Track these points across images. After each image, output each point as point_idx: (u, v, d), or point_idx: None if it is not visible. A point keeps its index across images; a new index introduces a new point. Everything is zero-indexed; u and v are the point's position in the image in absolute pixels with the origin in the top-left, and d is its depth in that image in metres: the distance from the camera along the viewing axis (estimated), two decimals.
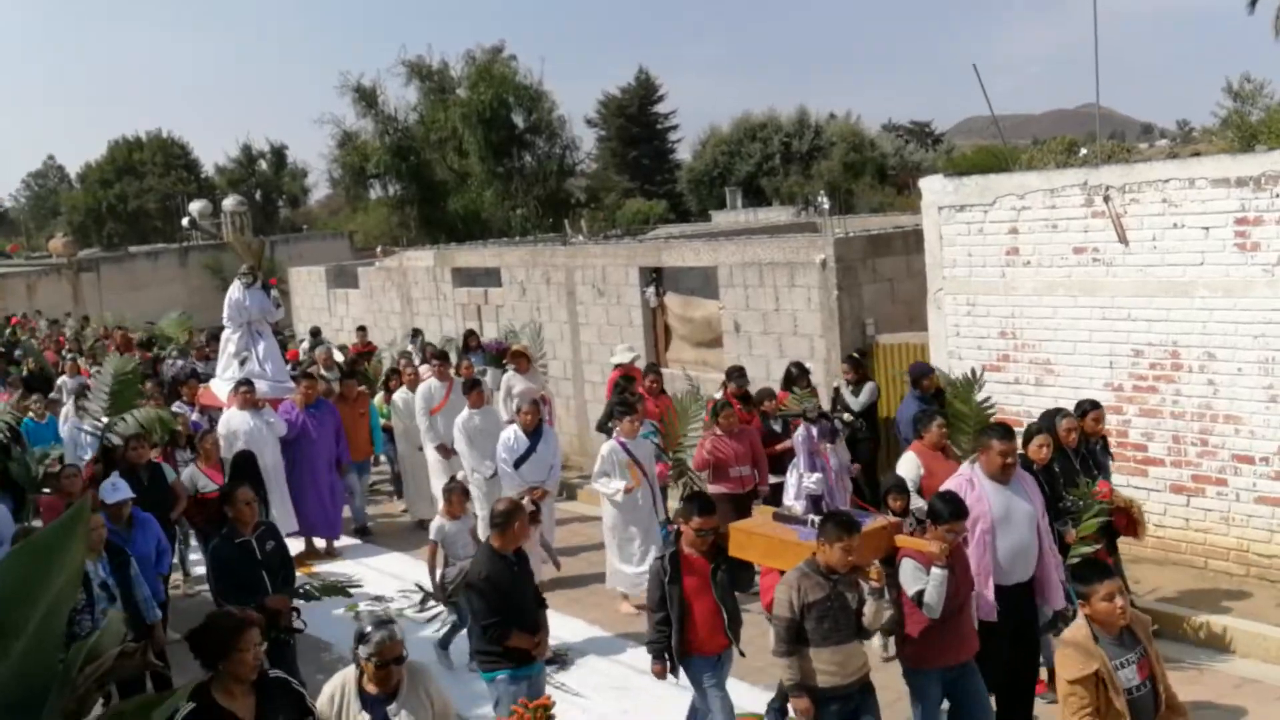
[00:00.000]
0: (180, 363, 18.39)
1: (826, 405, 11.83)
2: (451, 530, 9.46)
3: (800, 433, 7.98)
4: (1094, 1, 14.37)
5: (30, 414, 14.27)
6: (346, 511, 13.99)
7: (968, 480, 7.36)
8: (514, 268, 18.12)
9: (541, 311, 17.39)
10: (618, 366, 13.77)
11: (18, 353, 22.26)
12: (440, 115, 41.14)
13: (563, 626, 10.14)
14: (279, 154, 66.89)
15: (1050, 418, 8.79)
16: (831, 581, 6.42)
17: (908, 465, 9.08)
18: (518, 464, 10.99)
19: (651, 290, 15.76)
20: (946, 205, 11.69)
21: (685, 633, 6.97)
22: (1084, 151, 22.72)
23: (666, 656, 7.08)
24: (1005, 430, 7.57)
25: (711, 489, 10.46)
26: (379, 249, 30.27)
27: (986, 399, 10.47)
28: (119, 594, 7.77)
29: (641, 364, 14.32)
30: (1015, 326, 11.28)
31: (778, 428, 11.23)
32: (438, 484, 13.00)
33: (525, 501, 8.96)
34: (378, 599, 11.21)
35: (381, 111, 41.95)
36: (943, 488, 7.29)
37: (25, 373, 18.49)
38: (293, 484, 12.85)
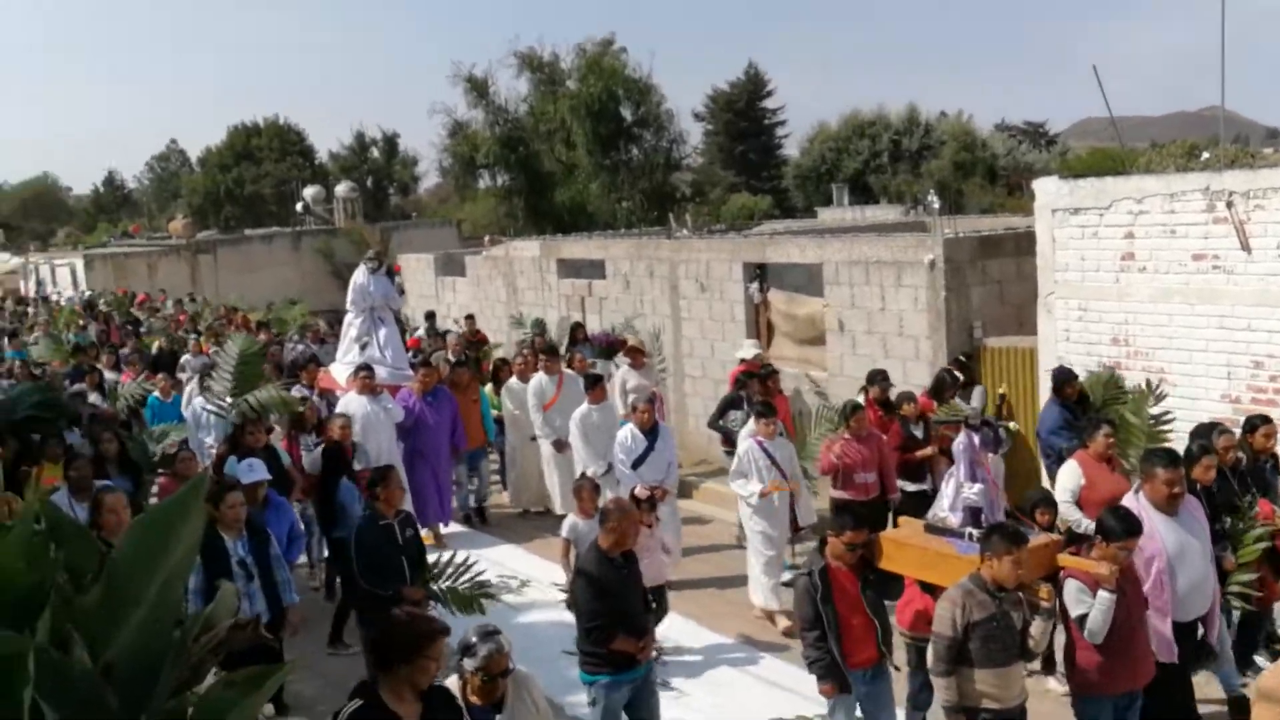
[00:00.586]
0: (300, 346, 18.54)
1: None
2: (584, 529, 9.02)
3: (961, 440, 7.47)
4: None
5: (156, 391, 14.43)
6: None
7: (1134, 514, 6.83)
8: (618, 260, 18.18)
9: (644, 304, 17.42)
10: (742, 362, 13.45)
11: (143, 331, 22.75)
12: (550, 107, 41.48)
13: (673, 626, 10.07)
14: (391, 142, 68.04)
15: (1207, 434, 8.28)
16: (998, 599, 6.08)
17: (1069, 474, 8.59)
18: (635, 464, 10.72)
19: (755, 286, 15.69)
20: (1060, 208, 11.45)
21: (840, 648, 6.70)
22: (1206, 155, 22.06)
23: (834, 674, 6.74)
24: (1171, 456, 7.07)
25: (834, 495, 10.22)
26: (486, 238, 30.65)
27: (1165, 413, 10.01)
28: (258, 573, 7.79)
29: (774, 365, 13.87)
30: (1128, 333, 11.01)
31: (918, 433, 10.89)
32: (553, 479, 13.19)
33: (637, 488, 8.82)
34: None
35: (492, 102, 42.43)
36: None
37: (155, 351, 18.75)
38: (409, 469, 12.61)
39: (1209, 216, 10.25)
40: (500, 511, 14.51)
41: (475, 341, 18.63)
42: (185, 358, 17.43)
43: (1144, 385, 10.20)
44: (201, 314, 25.35)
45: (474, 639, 5.26)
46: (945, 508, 7.50)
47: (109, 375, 16.28)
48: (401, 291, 15.30)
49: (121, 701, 2.31)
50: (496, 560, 12.14)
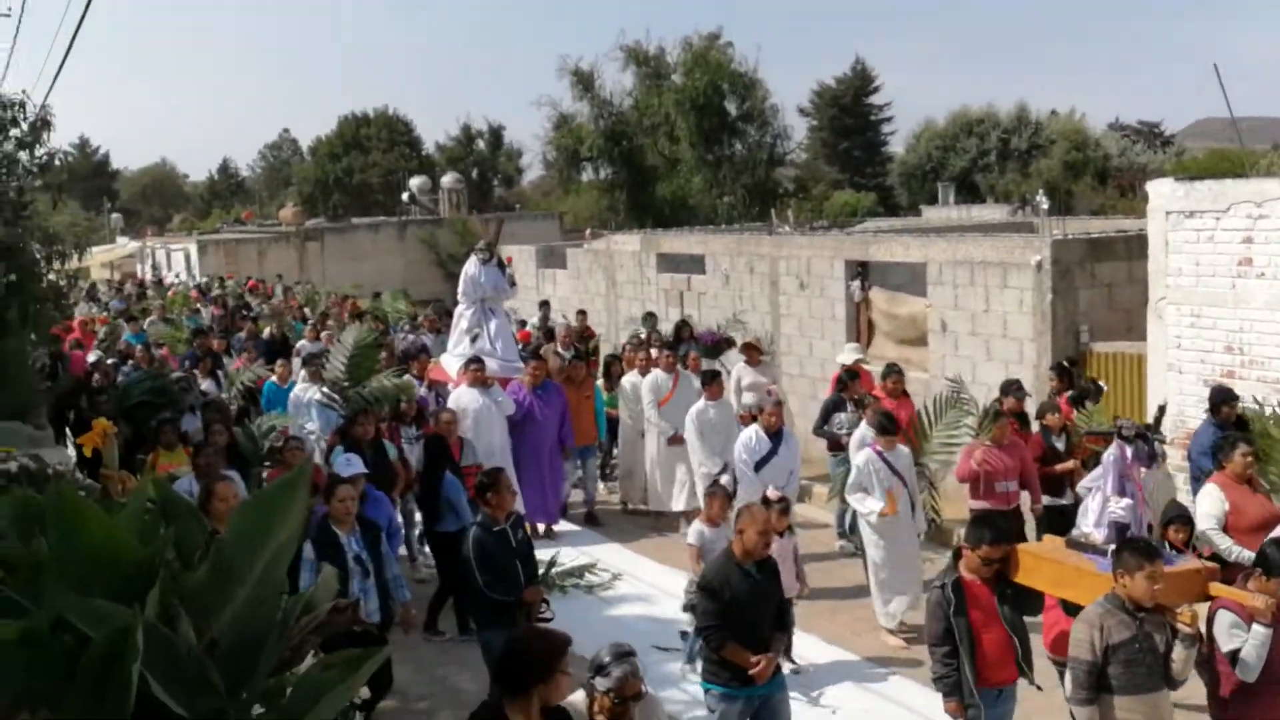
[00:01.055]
0: (411, 336, 18.24)
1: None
2: (712, 537, 8.59)
3: (1112, 452, 7.05)
4: None
5: (274, 377, 14.42)
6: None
7: None
8: (718, 255, 18.16)
9: (743, 300, 17.38)
10: (843, 366, 13.00)
11: (253, 314, 22.96)
12: (654, 100, 41.55)
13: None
14: (496, 134, 68.76)
15: None
16: (1138, 620, 5.70)
17: (1210, 499, 8.07)
18: (758, 467, 10.35)
19: (857, 284, 15.55)
20: (1175, 210, 11.15)
21: (974, 666, 6.30)
22: None
23: (961, 692, 6.37)
24: None
25: (973, 504, 9.85)
26: (588, 231, 30.84)
27: None
28: (373, 569, 7.61)
29: (872, 365, 13.54)
30: (1244, 341, 10.69)
31: (1060, 445, 10.47)
32: (658, 475, 12.92)
33: (769, 490, 8.41)
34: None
35: (597, 95, 42.64)
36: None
37: (268, 336, 18.82)
38: (518, 464, 12.34)
39: None
40: (606, 509, 14.14)
41: (585, 336, 18.48)
42: (301, 343, 17.44)
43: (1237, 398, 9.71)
44: (314, 300, 25.55)
45: (607, 658, 4.95)
46: (1090, 523, 7.05)
47: (224, 360, 16.43)
48: (513, 284, 14.94)
49: (224, 677, 2.37)
50: (603, 560, 11.89)
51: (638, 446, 13.57)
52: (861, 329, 15.69)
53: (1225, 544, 7.77)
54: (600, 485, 14.70)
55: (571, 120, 43.68)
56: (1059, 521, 9.58)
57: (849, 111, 61.74)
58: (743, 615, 6.58)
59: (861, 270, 15.56)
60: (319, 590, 2.80)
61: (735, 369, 13.94)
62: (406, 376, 12.99)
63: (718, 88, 40.62)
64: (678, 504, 12.77)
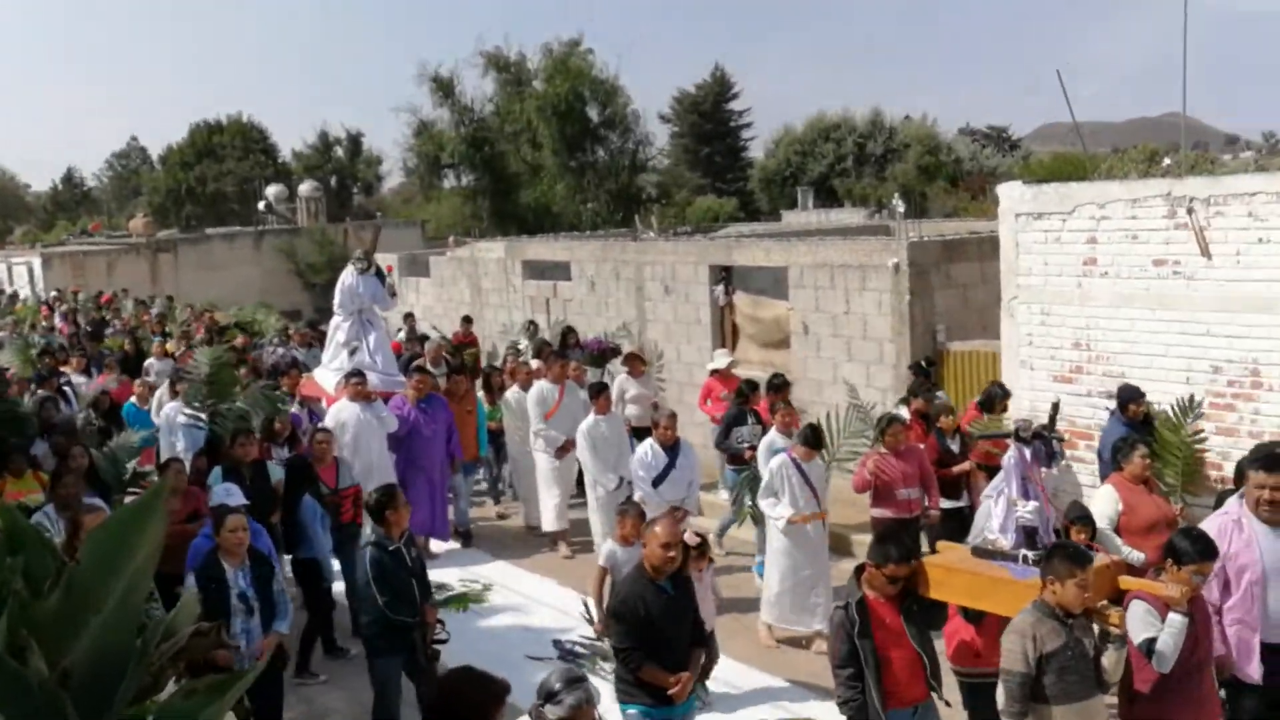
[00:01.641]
0: (280, 350, 17.59)
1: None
2: (624, 556, 8.15)
3: (1011, 454, 6.88)
4: (1185, 6, 14.02)
5: (133, 398, 13.81)
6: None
7: (1235, 521, 6.46)
8: (584, 262, 18.17)
9: (609, 307, 17.42)
10: (714, 373, 12.85)
11: (108, 331, 21.96)
12: (516, 107, 41.48)
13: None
14: (355, 141, 67.53)
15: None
16: (1068, 626, 5.57)
17: (1105, 499, 8.11)
18: (655, 482, 10.20)
19: (720, 289, 15.72)
20: (1024, 212, 11.53)
21: (881, 687, 6.04)
22: (1167, 162, 22.32)
23: (867, 715, 6.13)
24: (1271, 460, 6.49)
25: (875, 513, 9.77)
26: (451, 239, 30.52)
27: (1199, 431, 9.98)
28: (259, 606, 7.16)
29: (740, 370, 13.48)
30: (1090, 338, 11.11)
31: (955, 447, 10.47)
32: (548, 495, 12.45)
33: (686, 534, 7.90)
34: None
35: (458, 101, 42.40)
36: (1203, 525, 6.46)
37: (120, 353, 17.96)
38: (404, 481, 11.60)
39: (1170, 222, 10.35)
40: (497, 526, 13.71)
41: (464, 344, 17.96)
42: (149, 361, 16.84)
43: (1184, 400, 9.95)
44: (170, 314, 24.47)
45: (557, 685, 4.64)
46: (994, 528, 6.92)
47: (79, 379, 15.66)
48: (393, 294, 14.30)
49: (79, 708, 2.27)
50: (501, 582, 11.52)
51: (523, 464, 13.17)
52: (726, 333, 15.87)
53: (1116, 544, 7.83)
54: (492, 503, 14.33)
55: (432, 127, 43.32)
56: (955, 525, 9.61)
57: (709, 118, 62.34)
58: (659, 634, 6.38)
59: (725, 275, 15.73)
60: (179, 614, 2.70)
61: (618, 380, 13.68)
62: (277, 393, 12.52)
63: (579, 94, 40.73)
64: (549, 523, 12.51)
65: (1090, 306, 11.05)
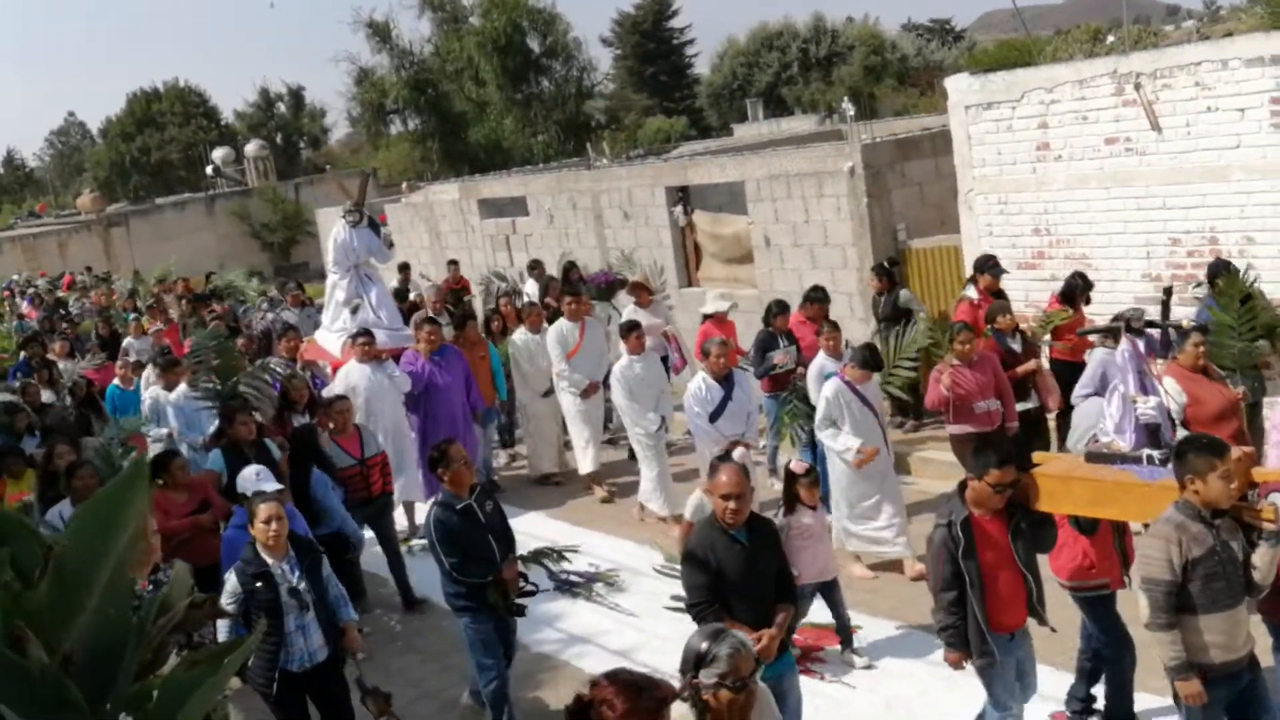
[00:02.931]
0: (270, 314, 16.55)
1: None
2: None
3: (1124, 348, 6.19)
4: None
5: (116, 380, 13.13)
6: None
7: None
8: (539, 195, 18.06)
9: (570, 238, 17.35)
10: (706, 318, 11.82)
11: (74, 313, 21.31)
12: (455, 45, 40.96)
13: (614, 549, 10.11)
14: (297, 96, 66.70)
15: None
16: (1214, 528, 5.06)
17: (1169, 393, 7.54)
18: (712, 417, 9.48)
19: (679, 209, 15.68)
20: (973, 104, 11.52)
21: (984, 612, 5.65)
22: (1111, 39, 22.32)
23: (968, 643, 5.74)
24: None
25: (953, 430, 9.13)
26: (404, 185, 30.28)
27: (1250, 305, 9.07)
28: (313, 600, 6.48)
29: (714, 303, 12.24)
30: (1049, 223, 11.17)
31: (1016, 347, 9.64)
32: (579, 437, 11.83)
33: (793, 463, 7.61)
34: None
35: (396, 46, 41.84)
36: None
37: (94, 335, 17.28)
38: (424, 441, 11.06)
39: (1118, 100, 10.37)
40: (511, 475, 13.06)
41: (458, 289, 17.50)
42: (128, 340, 15.84)
43: (1238, 271, 9.27)
44: (139, 290, 23.66)
45: (704, 644, 4.04)
46: (1109, 429, 6.18)
47: (65, 365, 14.74)
48: (390, 244, 13.55)
49: (85, 691, 2.29)
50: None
51: (541, 408, 12.43)
52: (689, 253, 15.85)
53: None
54: (501, 453, 13.64)
55: (373, 74, 42.77)
56: (1027, 429, 9.16)
57: (651, 37, 61.73)
58: (733, 588, 5.74)
59: (682, 195, 15.68)
60: (173, 587, 2.72)
61: (625, 312, 12.80)
62: (274, 360, 11.78)
63: (518, 26, 40.21)
64: (584, 466, 11.88)
65: (1047, 191, 11.10)
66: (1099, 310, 10.11)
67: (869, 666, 7.55)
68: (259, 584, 6.30)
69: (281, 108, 66.60)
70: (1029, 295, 11.16)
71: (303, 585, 6.43)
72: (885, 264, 12.24)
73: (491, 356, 12.65)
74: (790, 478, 7.64)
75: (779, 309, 10.99)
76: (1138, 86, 10.16)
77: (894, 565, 8.98)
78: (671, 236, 15.80)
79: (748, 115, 44.74)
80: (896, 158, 13.20)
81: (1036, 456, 6.31)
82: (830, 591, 7.70)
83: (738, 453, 7.32)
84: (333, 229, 13.04)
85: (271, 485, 7.22)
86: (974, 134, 11.57)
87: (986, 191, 11.60)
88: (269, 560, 6.39)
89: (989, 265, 10.41)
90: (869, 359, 8.80)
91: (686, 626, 7.44)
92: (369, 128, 46.26)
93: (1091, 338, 8.88)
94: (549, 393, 12.19)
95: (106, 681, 2.31)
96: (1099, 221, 10.77)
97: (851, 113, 16.75)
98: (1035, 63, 11.02)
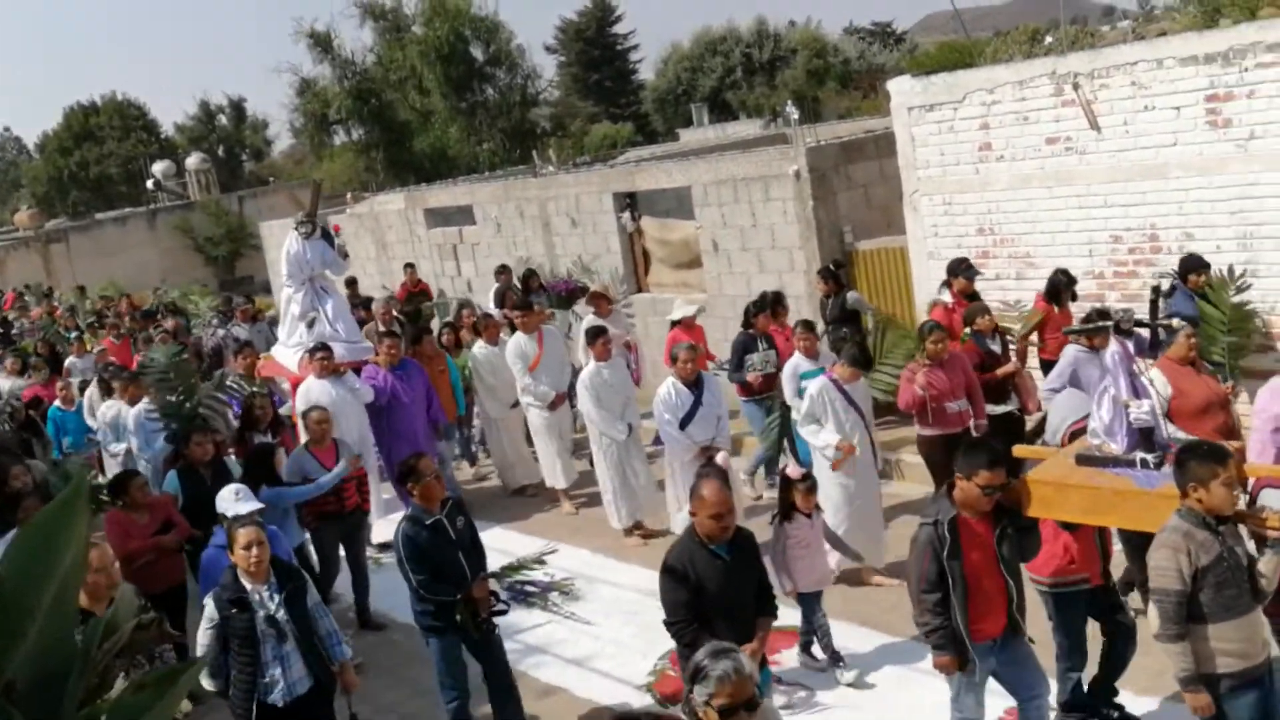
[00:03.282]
0: (221, 330, 16.12)
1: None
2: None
3: (1114, 349, 5.89)
4: None
5: (58, 400, 12.87)
6: None
7: None
8: (486, 204, 17.99)
9: (518, 246, 17.29)
10: (673, 325, 11.60)
11: (14, 331, 20.82)
12: (398, 54, 40.73)
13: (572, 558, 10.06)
14: (238, 107, 66.17)
15: None
16: (1219, 535, 5.03)
17: (1155, 382, 7.29)
18: (683, 424, 9.30)
19: (627, 215, 15.67)
20: (916, 105, 11.62)
21: (965, 616, 5.56)
22: (1049, 40, 22.61)
23: (956, 644, 5.61)
24: None
25: (923, 433, 8.96)
26: (348, 195, 29.99)
27: (1245, 302, 9.41)
28: (293, 630, 6.11)
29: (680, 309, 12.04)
30: (993, 222, 11.28)
31: (995, 348, 9.49)
32: (547, 450, 11.69)
33: (789, 468, 7.45)
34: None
35: (338, 56, 41.52)
36: (1272, 383, 5.96)
37: (33, 355, 16.55)
38: (389, 455, 11.12)
39: (1058, 100, 10.50)
40: (478, 489, 12.87)
41: (415, 293, 17.01)
42: (70, 360, 15.71)
43: (1223, 271, 9.40)
44: (78, 307, 23.10)
45: (704, 659, 3.93)
46: (1100, 432, 6.07)
47: (12, 384, 14.38)
48: (345, 255, 13.27)
49: (29, 718, 2.24)
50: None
51: (511, 421, 12.29)
52: (637, 258, 15.86)
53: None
54: (467, 465, 13.58)
55: (315, 84, 42.40)
56: (1006, 431, 8.84)
57: (594, 44, 61.80)
58: (714, 603, 5.61)
59: (630, 201, 15.68)
60: (119, 610, 2.67)
61: (584, 321, 12.56)
62: (229, 376, 11.64)
63: (460, 34, 40.08)
64: (554, 480, 11.73)
65: (990, 191, 11.21)
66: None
67: (856, 683, 7.34)
68: (234, 609, 6.00)
69: (223, 120, 66.04)
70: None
71: (281, 614, 6.06)
72: (831, 266, 12.26)
73: (451, 370, 12.47)
74: (786, 483, 7.49)
75: (758, 309, 10.82)
76: (1076, 86, 10.29)
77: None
78: (620, 243, 15.79)
79: (693, 120, 44.82)
80: (841, 160, 13.28)
81: (1018, 450, 6.32)
82: (811, 600, 7.48)
83: (720, 457, 7.52)
84: (285, 241, 12.70)
85: (250, 505, 6.92)
86: (917, 135, 11.67)
87: (931, 192, 11.70)
88: (248, 585, 6.06)
89: (963, 268, 10.28)
90: (858, 357, 8.75)
91: (642, 633, 7.39)
92: (312, 139, 45.86)
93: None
94: (516, 404, 12.08)
95: (51, 707, 2.26)
96: (1042, 220, 10.89)
97: (795, 116, 16.80)
98: (976, 64, 11.13)
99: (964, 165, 11.35)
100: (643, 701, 7.39)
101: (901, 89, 11.84)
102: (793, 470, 7.55)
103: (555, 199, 16.66)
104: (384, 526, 10.48)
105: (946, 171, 11.51)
